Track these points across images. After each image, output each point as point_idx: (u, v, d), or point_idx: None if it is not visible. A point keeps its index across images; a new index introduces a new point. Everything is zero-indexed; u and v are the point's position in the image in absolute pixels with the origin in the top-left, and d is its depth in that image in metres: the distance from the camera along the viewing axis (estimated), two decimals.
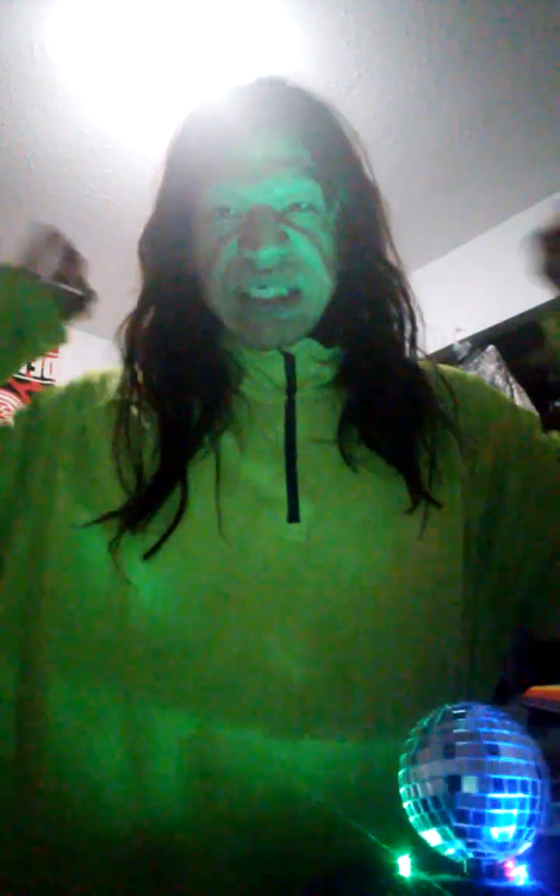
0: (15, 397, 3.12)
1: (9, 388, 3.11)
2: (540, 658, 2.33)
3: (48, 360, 3.26)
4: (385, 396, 0.73)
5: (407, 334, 0.77)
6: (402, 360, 0.77)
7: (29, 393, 3.18)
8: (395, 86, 2.20)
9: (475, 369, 2.76)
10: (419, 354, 0.79)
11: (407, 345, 0.77)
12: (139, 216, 2.94)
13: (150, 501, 0.66)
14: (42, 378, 3.23)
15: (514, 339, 2.86)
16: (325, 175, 0.70)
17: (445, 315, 2.92)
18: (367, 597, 0.65)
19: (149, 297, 0.78)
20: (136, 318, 0.79)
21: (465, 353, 2.81)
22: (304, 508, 0.67)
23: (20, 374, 3.16)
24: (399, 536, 0.67)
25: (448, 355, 2.88)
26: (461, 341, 2.84)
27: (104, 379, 0.83)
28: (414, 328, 0.77)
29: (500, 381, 2.67)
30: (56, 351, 3.46)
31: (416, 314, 0.77)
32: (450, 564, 0.70)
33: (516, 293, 2.74)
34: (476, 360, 2.78)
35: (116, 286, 3.19)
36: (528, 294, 2.68)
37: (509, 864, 0.36)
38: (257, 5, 1.92)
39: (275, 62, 2.10)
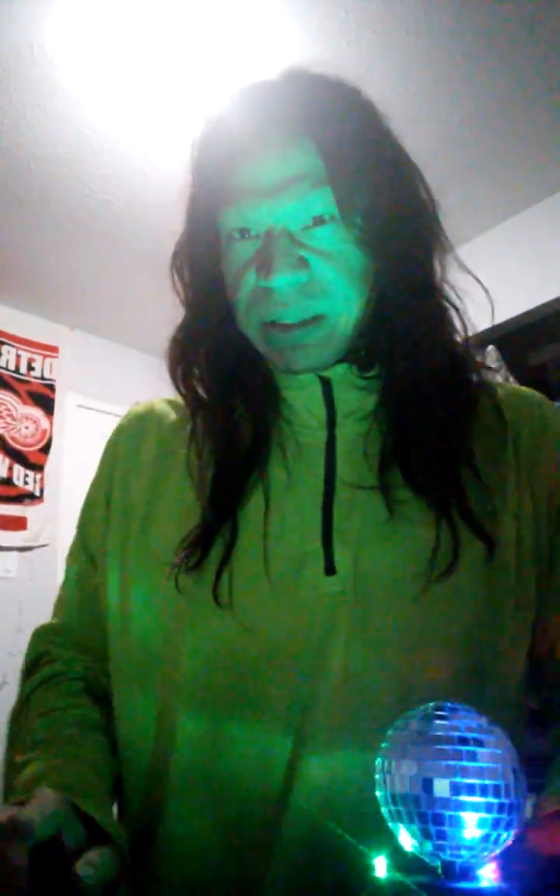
0: (15, 397, 3.13)
1: (9, 387, 3.12)
2: None
3: (48, 361, 3.26)
4: (429, 430, 0.67)
5: (458, 350, 0.71)
6: (452, 383, 0.70)
7: (29, 393, 3.18)
8: (395, 86, 2.19)
9: None
10: (474, 375, 0.73)
11: (457, 363, 0.71)
12: (139, 216, 2.96)
13: (204, 544, 0.67)
14: (42, 378, 3.23)
15: (514, 340, 2.85)
16: (346, 183, 0.64)
17: None
18: (399, 654, 0.63)
19: (190, 319, 0.75)
20: (181, 342, 0.75)
21: None
22: (341, 559, 0.65)
23: (21, 374, 3.17)
24: (442, 589, 0.64)
25: None
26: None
27: (148, 413, 0.83)
28: (466, 344, 0.72)
29: (500, 380, 2.67)
30: (56, 350, 3.45)
31: (468, 327, 0.72)
32: (496, 610, 0.66)
33: (516, 294, 2.74)
34: None
35: (117, 286, 3.22)
36: (528, 294, 2.68)
37: (483, 865, 0.36)
38: (257, 5, 1.92)
39: (275, 62, 2.10)
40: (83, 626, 0.79)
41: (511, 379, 2.66)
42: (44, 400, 3.21)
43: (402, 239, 0.67)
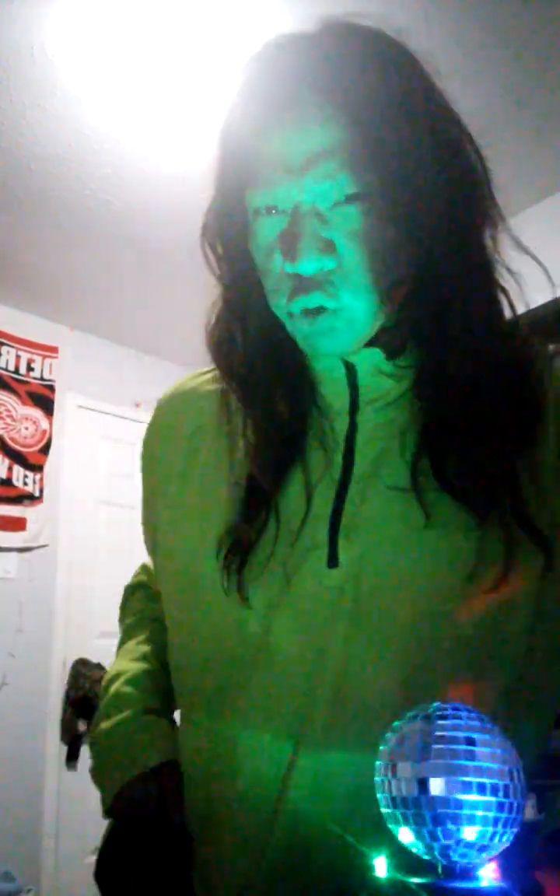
0: (15, 397, 3.13)
1: (8, 388, 3.12)
2: None
3: (48, 361, 3.26)
4: (475, 423, 0.62)
5: (510, 331, 0.67)
6: (498, 365, 0.64)
7: (29, 394, 3.18)
8: None
9: None
10: (529, 348, 0.68)
11: (511, 345, 0.67)
12: (139, 216, 2.96)
13: (250, 533, 0.66)
14: (42, 378, 3.23)
15: None
16: (381, 159, 0.59)
17: None
18: (399, 659, 0.61)
19: (228, 296, 0.71)
20: (222, 319, 0.72)
21: None
22: (345, 554, 0.63)
23: (20, 374, 3.17)
24: (457, 600, 0.60)
25: None
26: None
27: (177, 398, 0.82)
28: (517, 324, 0.67)
29: None
30: (55, 350, 3.45)
31: (517, 303, 0.68)
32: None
33: (518, 293, 2.74)
34: None
35: (117, 286, 3.22)
36: (528, 295, 2.69)
37: (483, 866, 0.36)
38: (258, 5, 1.92)
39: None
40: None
41: None
42: (43, 400, 3.21)
43: (444, 216, 0.62)
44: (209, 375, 0.79)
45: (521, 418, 0.64)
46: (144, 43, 2.02)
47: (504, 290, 0.68)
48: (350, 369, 0.68)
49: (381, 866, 0.39)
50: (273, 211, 0.62)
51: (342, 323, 0.63)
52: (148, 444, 0.82)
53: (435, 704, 0.40)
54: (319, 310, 0.62)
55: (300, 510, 0.65)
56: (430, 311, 0.64)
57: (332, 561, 0.63)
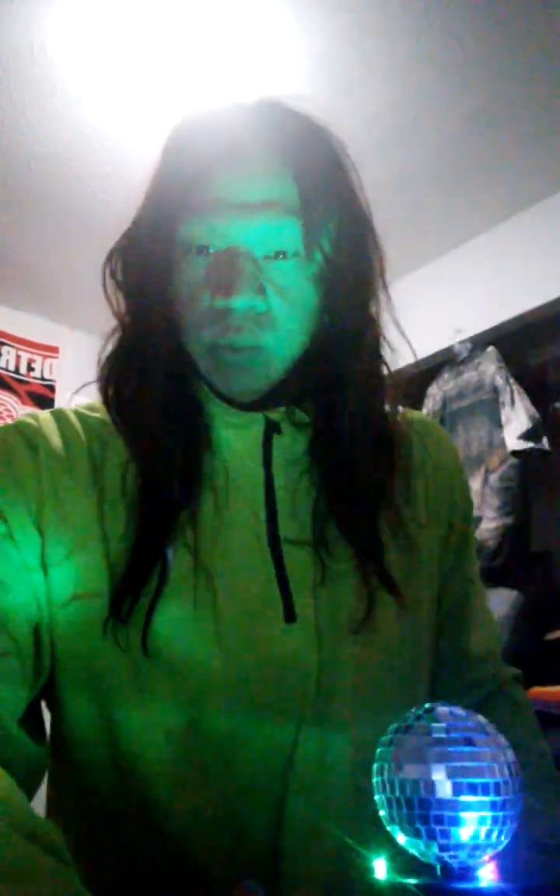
0: (15, 397, 3.13)
1: (8, 388, 3.12)
2: (540, 658, 2.33)
3: (48, 361, 3.26)
4: (355, 483, 0.69)
5: (387, 399, 0.72)
6: (375, 426, 0.71)
7: (29, 394, 3.18)
8: (396, 87, 2.20)
9: (475, 370, 2.77)
10: (398, 412, 0.75)
11: (385, 413, 0.73)
12: None
13: (131, 588, 0.63)
14: (42, 378, 3.23)
15: (515, 340, 2.86)
16: (314, 217, 0.63)
17: (446, 315, 2.92)
18: (351, 690, 0.66)
19: (129, 333, 0.70)
20: (115, 357, 0.70)
21: (465, 354, 2.81)
22: (301, 606, 0.65)
23: (20, 374, 3.17)
24: (384, 631, 0.67)
25: (448, 356, 2.88)
26: (461, 342, 2.84)
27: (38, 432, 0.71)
28: (394, 387, 0.73)
29: (500, 381, 2.67)
30: (56, 350, 3.45)
31: (391, 375, 0.73)
32: (413, 663, 0.72)
33: (517, 294, 2.74)
34: (477, 361, 2.78)
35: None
36: (529, 295, 2.69)
37: (482, 866, 0.36)
38: (259, 6, 1.92)
39: (276, 63, 2.11)
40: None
41: (511, 380, 2.66)
42: (44, 401, 3.21)
43: (352, 283, 0.67)
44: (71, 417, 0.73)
45: (386, 480, 0.70)
46: (144, 42, 2.02)
47: (385, 362, 0.72)
48: (271, 425, 0.69)
49: (380, 868, 0.39)
50: (205, 252, 0.64)
51: (260, 364, 0.65)
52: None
53: (428, 706, 0.40)
54: (248, 349, 0.64)
55: (223, 563, 0.65)
56: (326, 375, 0.68)
57: (289, 615, 0.65)
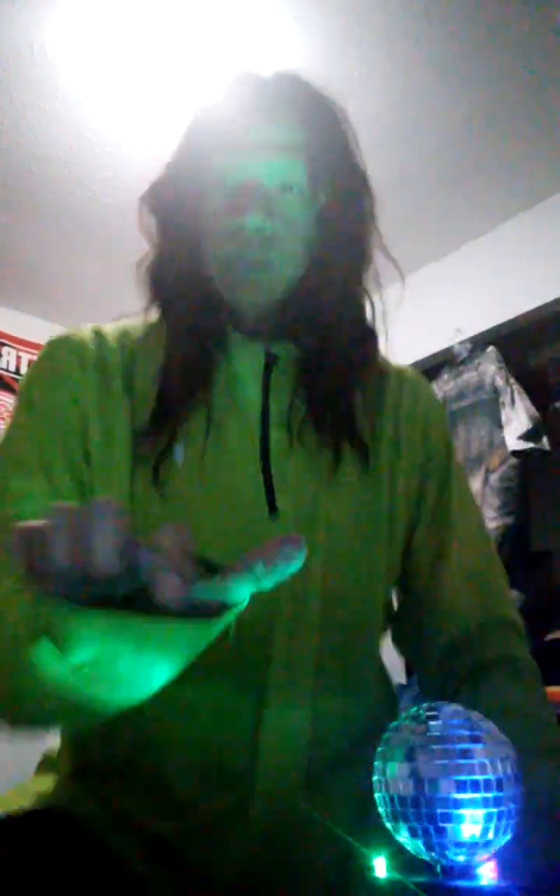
0: (15, 398, 3.14)
1: (8, 388, 3.12)
2: (540, 659, 2.33)
3: None
4: (342, 396, 0.80)
5: (367, 325, 0.84)
6: (361, 357, 0.84)
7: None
8: (396, 86, 2.20)
9: (475, 370, 2.76)
10: (383, 350, 0.86)
11: (366, 333, 0.85)
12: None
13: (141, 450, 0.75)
14: None
15: (515, 340, 2.86)
16: (318, 162, 0.77)
17: (446, 316, 2.92)
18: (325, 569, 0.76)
19: (163, 252, 0.83)
20: (152, 271, 0.84)
21: (465, 354, 2.81)
22: (283, 502, 0.76)
23: (21, 375, 3.17)
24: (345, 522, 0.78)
25: (448, 356, 2.88)
26: (461, 342, 2.84)
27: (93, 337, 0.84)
28: (374, 334, 0.85)
29: (500, 381, 2.67)
30: None
31: (381, 317, 0.84)
32: (378, 540, 0.82)
33: (517, 294, 2.74)
34: (477, 361, 2.78)
35: (117, 288, 3.23)
36: (529, 295, 2.69)
37: (481, 864, 0.36)
38: (260, 7, 1.92)
39: (276, 64, 2.10)
40: None
41: (512, 380, 2.66)
42: None
43: (348, 221, 0.80)
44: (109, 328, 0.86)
45: (365, 379, 0.84)
46: (145, 45, 2.02)
47: (367, 292, 0.84)
48: (270, 355, 0.81)
49: (380, 867, 0.39)
50: (223, 185, 0.77)
51: (266, 279, 0.77)
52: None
53: (426, 704, 0.40)
54: (258, 264, 0.76)
55: (217, 447, 0.77)
56: (320, 302, 0.80)
57: (272, 509, 0.75)
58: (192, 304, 0.79)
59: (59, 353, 0.80)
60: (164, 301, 0.82)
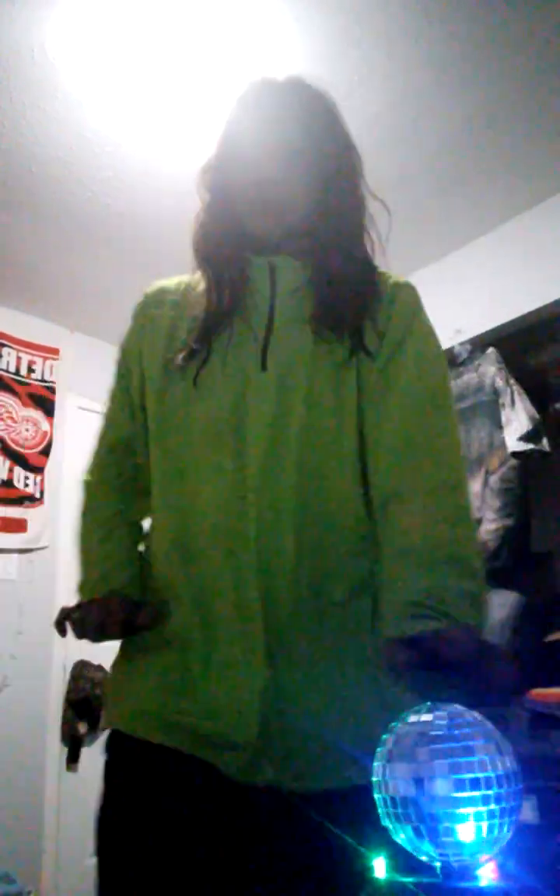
0: (15, 399, 3.13)
1: (9, 390, 3.12)
2: (540, 660, 2.32)
3: (48, 363, 3.26)
4: (340, 299, 1.01)
5: (368, 253, 1.07)
6: (360, 272, 1.05)
7: (29, 395, 3.18)
8: (396, 87, 2.20)
9: (475, 371, 2.76)
10: (377, 263, 1.08)
11: (368, 259, 1.07)
12: (140, 219, 2.97)
13: (191, 353, 1.02)
14: (42, 380, 3.24)
15: (515, 341, 2.86)
16: (316, 130, 1.05)
17: (446, 317, 2.92)
18: (296, 425, 0.96)
19: (212, 216, 1.09)
20: (203, 231, 1.09)
21: (465, 355, 2.81)
22: (270, 360, 0.99)
23: (21, 376, 3.17)
24: (330, 383, 0.98)
25: (448, 357, 2.88)
26: (461, 343, 2.84)
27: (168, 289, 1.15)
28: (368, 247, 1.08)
29: (500, 382, 2.67)
30: (56, 352, 3.46)
31: (377, 236, 1.08)
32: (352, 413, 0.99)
33: (517, 295, 2.74)
34: (477, 362, 2.77)
35: (117, 288, 3.24)
36: (529, 296, 2.69)
37: (481, 865, 0.36)
38: (260, 8, 1.92)
39: (277, 65, 2.11)
40: (130, 439, 1.12)
41: (512, 381, 2.66)
42: (44, 402, 3.21)
43: (342, 173, 1.06)
44: (169, 283, 1.15)
45: (362, 300, 1.03)
46: (145, 46, 2.02)
47: (367, 231, 1.08)
48: (272, 268, 1.05)
49: (379, 867, 0.38)
50: (253, 146, 1.05)
51: (276, 211, 1.03)
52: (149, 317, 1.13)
53: (427, 705, 0.40)
54: (272, 201, 1.02)
55: (238, 345, 1.02)
56: (324, 232, 1.04)
57: (263, 366, 0.99)
58: (225, 244, 1.06)
59: (139, 302, 1.17)
60: (207, 248, 1.08)
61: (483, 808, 0.35)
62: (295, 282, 1.05)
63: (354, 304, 1.02)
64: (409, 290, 1.09)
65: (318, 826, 0.75)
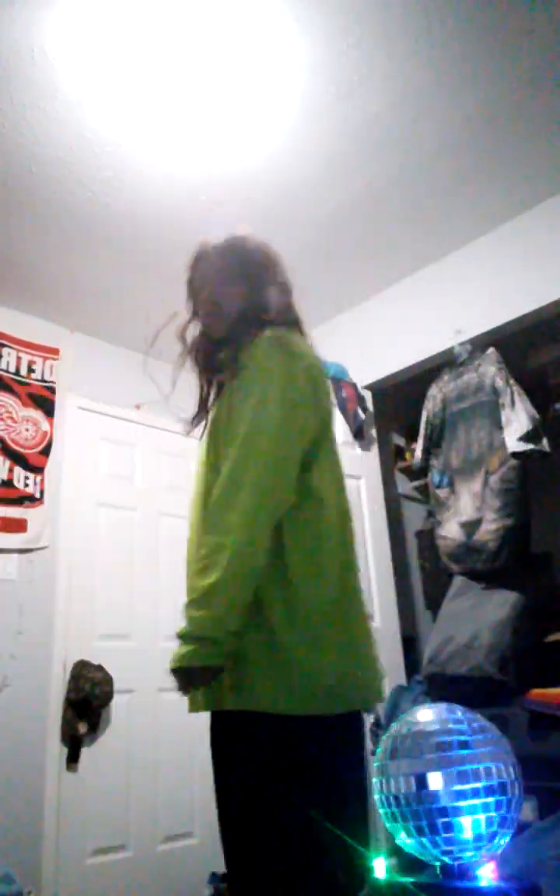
0: (15, 399, 3.13)
1: (9, 390, 3.12)
2: (540, 660, 2.32)
3: (48, 363, 3.26)
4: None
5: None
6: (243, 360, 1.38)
7: (29, 395, 3.18)
8: (396, 87, 2.20)
9: (475, 371, 2.76)
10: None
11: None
12: (140, 219, 2.96)
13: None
14: (42, 380, 3.24)
15: (515, 342, 2.86)
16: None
17: (446, 317, 2.92)
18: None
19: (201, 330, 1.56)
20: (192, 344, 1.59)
21: (465, 356, 2.81)
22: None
23: (21, 376, 3.17)
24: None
25: (448, 357, 2.88)
26: (461, 343, 2.84)
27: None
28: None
29: (500, 383, 2.66)
30: (56, 352, 3.45)
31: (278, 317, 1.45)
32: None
33: (517, 295, 2.74)
34: (477, 363, 2.77)
35: (117, 288, 3.23)
36: (529, 297, 2.69)
37: (481, 865, 0.36)
38: (260, 8, 1.92)
39: (276, 64, 2.11)
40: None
41: (512, 381, 2.66)
42: (44, 402, 3.21)
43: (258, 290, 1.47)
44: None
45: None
46: (145, 46, 2.02)
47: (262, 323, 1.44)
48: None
49: (380, 867, 0.38)
50: None
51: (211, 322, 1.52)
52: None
53: (427, 704, 0.40)
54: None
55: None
56: (241, 327, 1.43)
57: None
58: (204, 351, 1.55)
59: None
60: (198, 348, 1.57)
61: (486, 815, 0.35)
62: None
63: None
64: (259, 348, 1.40)
65: None
